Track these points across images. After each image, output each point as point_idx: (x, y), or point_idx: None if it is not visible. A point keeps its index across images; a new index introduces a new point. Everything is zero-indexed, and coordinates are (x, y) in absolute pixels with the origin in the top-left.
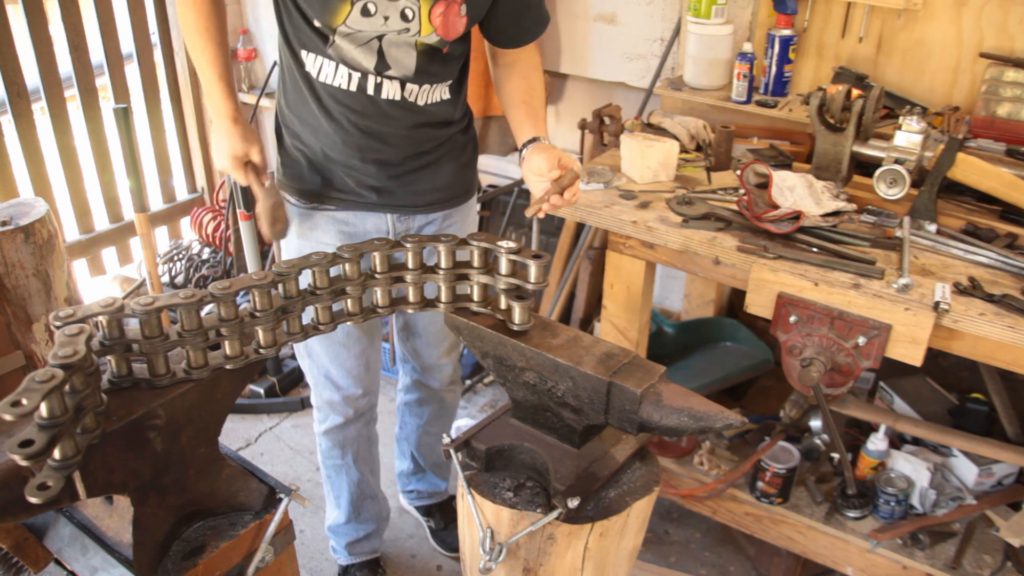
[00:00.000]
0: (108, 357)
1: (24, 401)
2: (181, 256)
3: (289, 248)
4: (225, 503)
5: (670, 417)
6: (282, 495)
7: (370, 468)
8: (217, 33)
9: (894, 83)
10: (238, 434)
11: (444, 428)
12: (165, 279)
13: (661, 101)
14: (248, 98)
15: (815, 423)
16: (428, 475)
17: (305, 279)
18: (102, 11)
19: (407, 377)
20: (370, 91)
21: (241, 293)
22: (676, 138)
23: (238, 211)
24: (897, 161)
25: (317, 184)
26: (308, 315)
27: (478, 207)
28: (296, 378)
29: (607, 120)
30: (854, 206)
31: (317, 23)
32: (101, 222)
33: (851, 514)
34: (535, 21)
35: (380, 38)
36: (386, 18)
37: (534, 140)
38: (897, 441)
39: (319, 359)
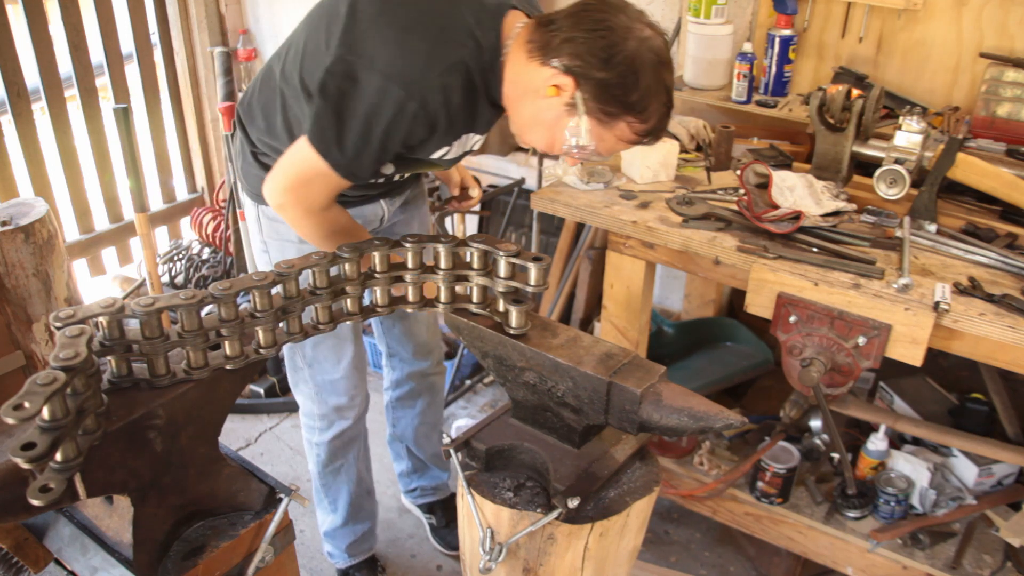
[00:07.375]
0: (108, 357)
1: (26, 404)
2: (181, 256)
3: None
4: (225, 503)
5: (670, 417)
6: (282, 495)
7: (366, 464)
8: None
9: (894, 83)
10: (238, 434)
11: (437, 415)
12: (165, 279)
13: None
14: None
15: (815, 423)
16: (429, 468)
17: (305, 279)
18: (102, 11)
19: (395, 372)
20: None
21: (241, 293)
22: (676, 138)
23: (238, 211)
24: (897, 161)
25: None
26: (308, 315)
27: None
28: None
29: None
30: (854, 206)
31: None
32: (101, 222)
33: (851, 514)
34: None
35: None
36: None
37: None
38: (897, 441)
39: (323, 367)
